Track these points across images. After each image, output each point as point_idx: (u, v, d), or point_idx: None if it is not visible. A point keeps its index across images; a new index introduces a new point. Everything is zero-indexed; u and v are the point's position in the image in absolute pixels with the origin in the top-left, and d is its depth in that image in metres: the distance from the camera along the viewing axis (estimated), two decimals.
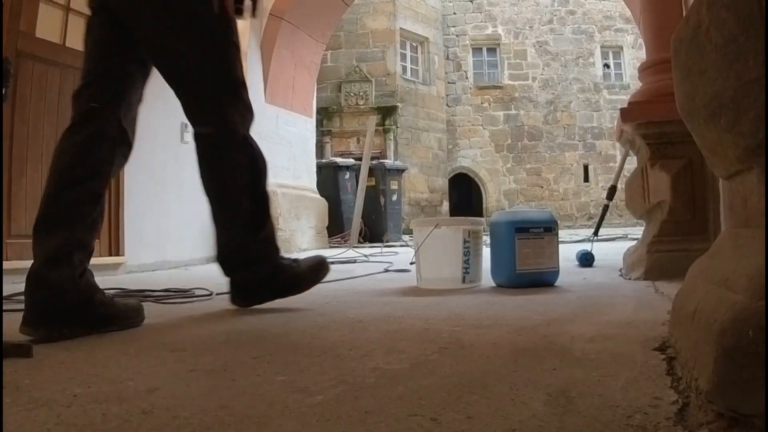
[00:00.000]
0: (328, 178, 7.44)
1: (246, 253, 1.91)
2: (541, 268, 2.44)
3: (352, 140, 13.16)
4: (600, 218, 3.78)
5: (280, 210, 5.32)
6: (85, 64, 1.76)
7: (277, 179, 5.45)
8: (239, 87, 1.86)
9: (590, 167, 14.97)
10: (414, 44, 14.43)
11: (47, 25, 3.40)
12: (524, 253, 2.41)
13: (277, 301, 1.97)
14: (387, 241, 7.63)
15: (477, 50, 15.60)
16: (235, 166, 1.85)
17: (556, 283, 2.48)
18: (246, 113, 1.87)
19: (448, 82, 15.23)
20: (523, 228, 2.44)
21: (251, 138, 1.90)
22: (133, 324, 1.65)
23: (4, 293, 2.05)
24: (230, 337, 1.48)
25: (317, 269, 2.03)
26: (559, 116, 15.13)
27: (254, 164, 1.89)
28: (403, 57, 14.07)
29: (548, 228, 2.48)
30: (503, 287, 2.46)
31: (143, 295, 2.38)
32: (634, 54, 14.61)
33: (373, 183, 7.87)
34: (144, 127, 3.89)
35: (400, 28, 13.75)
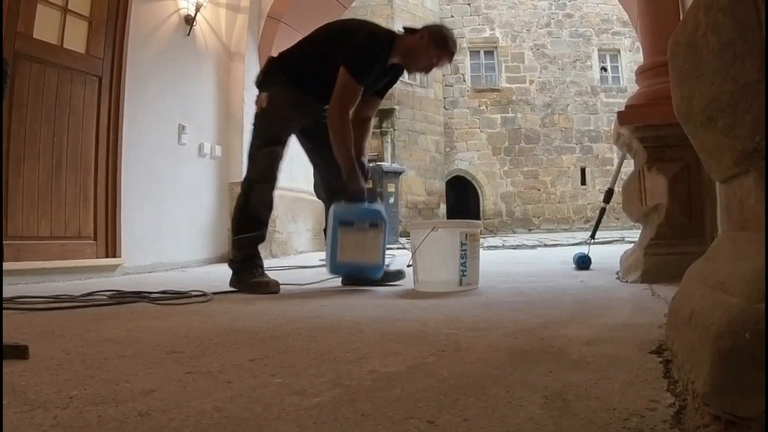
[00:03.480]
0: None
1: None
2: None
3: None
4: (597, 221, 3.79)
5: (277, 212, 5.31)
6: None
7: None
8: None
9: (587, 170, 14.97)
10: None
11: (45, 26, 3.39)
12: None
13: (275, 302, 1.95)
14: None
15: (474, 53, 15.61)
16: None
17: (554, 286, 2.48)
18: None
19: (446, 85, 15.23)
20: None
21: None
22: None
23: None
24: (227, 339, 1.48)
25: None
26: (557, 119, 15.14)
27: None
28: None
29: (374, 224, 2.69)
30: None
31: (140, 296, 2.37)
32: (632, 57, 14.64)
33: (370, 186, 7.87)
34: (141, 128, 3.94)
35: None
